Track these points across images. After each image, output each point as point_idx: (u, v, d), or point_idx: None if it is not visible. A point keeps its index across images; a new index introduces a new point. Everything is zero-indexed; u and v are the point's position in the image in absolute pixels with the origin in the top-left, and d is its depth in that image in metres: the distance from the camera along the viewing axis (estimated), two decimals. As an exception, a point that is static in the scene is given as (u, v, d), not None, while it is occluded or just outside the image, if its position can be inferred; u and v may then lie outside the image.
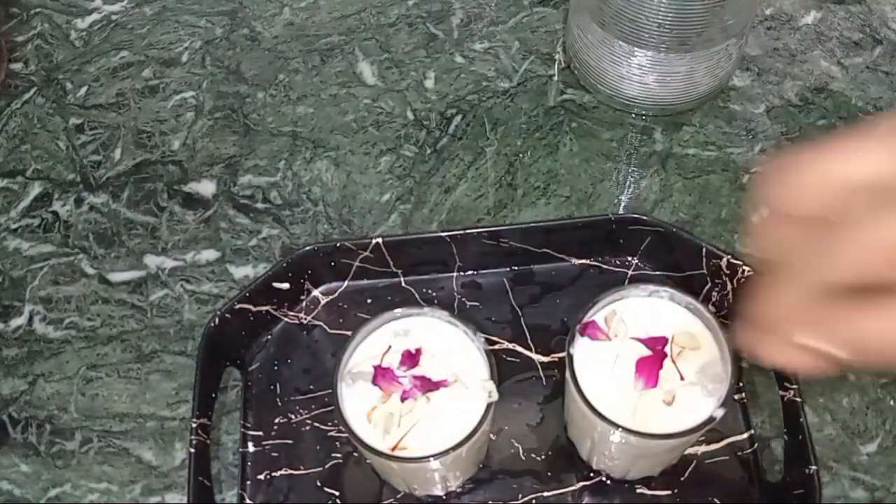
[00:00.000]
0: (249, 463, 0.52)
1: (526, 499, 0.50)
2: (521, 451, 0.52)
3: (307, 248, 0.54)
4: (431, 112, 0.66)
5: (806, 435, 0.47)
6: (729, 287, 0.52)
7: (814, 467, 0.46)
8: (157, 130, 0.66)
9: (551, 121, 0.65)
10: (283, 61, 0.69)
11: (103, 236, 0.62)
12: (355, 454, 0.52)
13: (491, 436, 0.51)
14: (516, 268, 0.57)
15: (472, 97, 0.67)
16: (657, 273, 0.56)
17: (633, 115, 0.65)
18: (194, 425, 0.49)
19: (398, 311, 0.48)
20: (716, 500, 0.50)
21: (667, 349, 0.45)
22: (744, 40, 0.62)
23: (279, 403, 0.53)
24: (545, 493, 0.50)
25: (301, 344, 0.56)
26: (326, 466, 0.52)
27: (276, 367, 0.55)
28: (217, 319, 0.52)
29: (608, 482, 0.51)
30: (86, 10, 0.73)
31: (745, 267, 0.51)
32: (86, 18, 0.72)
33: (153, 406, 0.55)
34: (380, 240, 0.54)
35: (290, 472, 0.52)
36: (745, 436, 0.51)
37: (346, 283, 0.57)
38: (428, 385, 0.45)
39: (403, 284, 0.57)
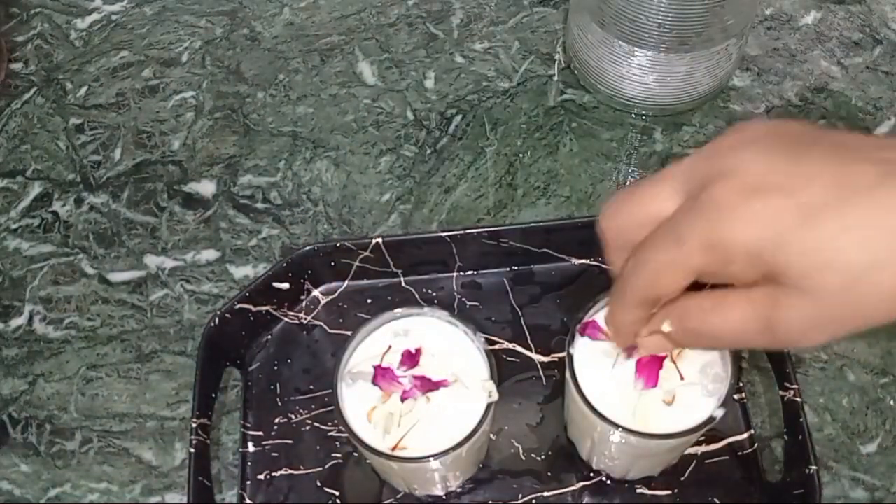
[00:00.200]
0: (249, 463, 0.52)
1: (526, 499, 0.50)
2: (521, 451, 0.52)
3: (307, 248, 0.54)
4: (431, 112, 0.66)
5: (806, 435, 0.47)
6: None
7: (814, 467, 0.46)
8: (157, 130, 0.66)
9: (551, 121, 0.65)
10: (283, 61, 0.69)
11: (103, 236, 0.62)
12: (355, 454, 0.52)
13: (491, 436, 0.51)
14: (516, 268, 0.57)
15: (472, 97, 0.67)
16: (657, 273, 0.56)
17: (633, 115, 0.65)
18: (194, 425, 0.49)
19: (398, 311, 0.48)
20: (716, 500, 0.50)
21: (667, 349, 0.45)
22: (744, 40, 0.62)
23: (279, 403, 0.53)
24: (545, 493, 0.50)
25: (301, 344, 0.56)
26: (326, 466, 0.52)
27: (276, 367, 0.55)
28: (217, 319, 0.52)
29: (608, 482, 0.51)
30: (86, 10, 0.73)
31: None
32: (86, 18, 0.72)
33: (153, 406, 0.55)
34: (380, 240, 0.54)
35: (290, 472, 0.52)
36: (745, 436, 0.51)
37: (346, 283, 0.57)
38: (428, 385, 0.45)
39: (403, 284, 0.57)
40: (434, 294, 0.56)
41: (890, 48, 0.68)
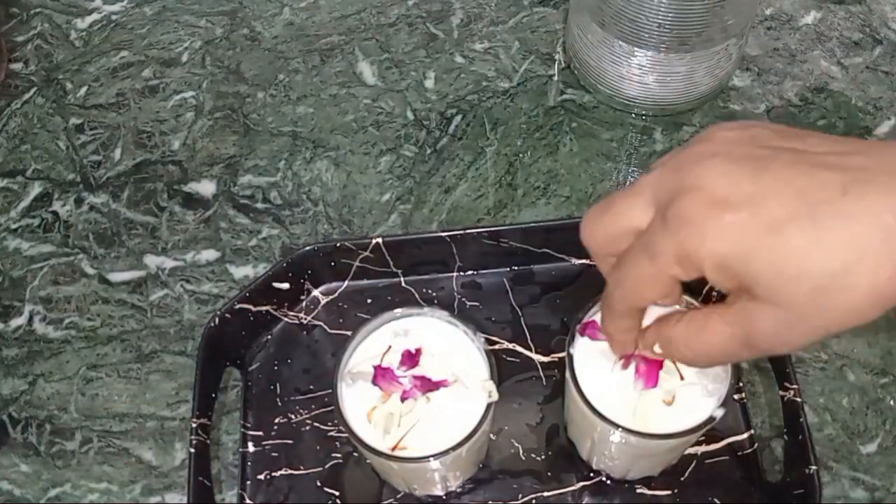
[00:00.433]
0: (249, 463, 0.52)
1: (526, 499, 0.50)
2: (521, 451, 0.52)
3: (307, 248, 0.54)
4: (431, 112, 0.66)
5: (806, 435, 0.47)
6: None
7: (814, 467, 0.46)
8: (157, 130, 0.66)
9: (551, 121, 0.65)
10: (283, 61, 0.69)
11: (103, 236, 0.62)
12: (355, 454, 0.52)
13: (491, 436, 0.51)
14: (516, 268, 0.57)
15: (472, 97, 0.67)
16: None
17: (633, 115, 0.65)
18: (194, 425, 0.49)
19: (398, 311, 0.48)
20: (716, 500, 0.50)
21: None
22: (744, 40, 0.62)
23: (279, 403, 0.53)
24: (545, 493, 0.50)
25: (301, 344, 0.56)
26: (326, 466, 0.52)
27: (276, 367, 0.55)
28: (217, 319, 0.52)
29: (608, 482, 0.51)
30: (86, 10, 0.73)
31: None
32: (86, 18, 0.73)
33: (153, 406, 0.55)
34: (380, 240, 0.54)
35: (290, 472, 0.52)
36: (745, 436, 0.51)
37: (346, 283, 0.57)
38: (428, 385, 0.45)
39: (403, 284, 0.57)
40: (434, 294, 0.56)
41: (890, 48, 0.68)
